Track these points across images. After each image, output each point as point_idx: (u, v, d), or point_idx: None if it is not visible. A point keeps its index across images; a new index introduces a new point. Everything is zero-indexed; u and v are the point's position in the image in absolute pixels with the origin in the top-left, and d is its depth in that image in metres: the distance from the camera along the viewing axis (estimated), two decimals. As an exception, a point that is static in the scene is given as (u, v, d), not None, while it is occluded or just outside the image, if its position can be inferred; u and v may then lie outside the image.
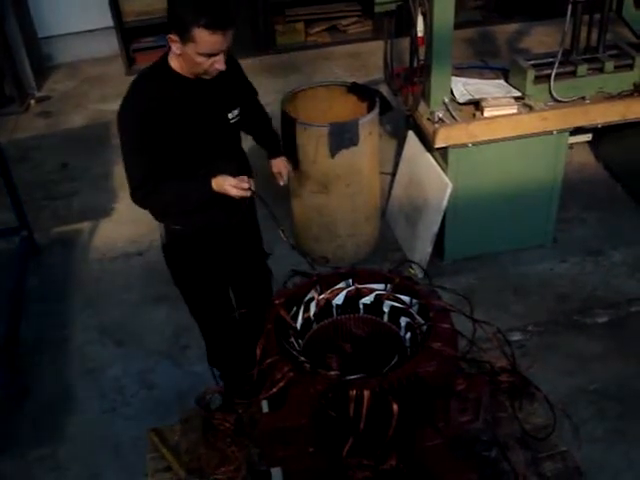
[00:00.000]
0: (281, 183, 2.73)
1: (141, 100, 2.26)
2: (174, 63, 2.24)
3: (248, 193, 2.33)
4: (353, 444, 1.51)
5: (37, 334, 3.51)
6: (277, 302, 1.75)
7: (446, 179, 3.50)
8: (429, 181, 3.66)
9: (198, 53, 2.12)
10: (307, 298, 1.80)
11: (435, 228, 3.63)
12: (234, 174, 2.37)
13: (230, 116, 2.40)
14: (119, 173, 4.70)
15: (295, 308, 1.78)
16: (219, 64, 2.16)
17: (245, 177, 2.35)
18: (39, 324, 3.57)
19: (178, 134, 2.30)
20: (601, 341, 3.21)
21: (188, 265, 2.65)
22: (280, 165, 2.73)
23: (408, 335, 1.71)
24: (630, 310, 3.36)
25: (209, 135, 2.38)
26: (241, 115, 2.45)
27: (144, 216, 4.36)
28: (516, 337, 3.23)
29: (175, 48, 2.16)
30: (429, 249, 3.69)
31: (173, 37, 2.13)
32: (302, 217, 3.81)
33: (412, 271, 3.84)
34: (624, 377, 3.00)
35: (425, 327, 1.67)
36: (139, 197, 2.40)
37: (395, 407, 1.51)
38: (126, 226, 4.24)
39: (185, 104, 2.30)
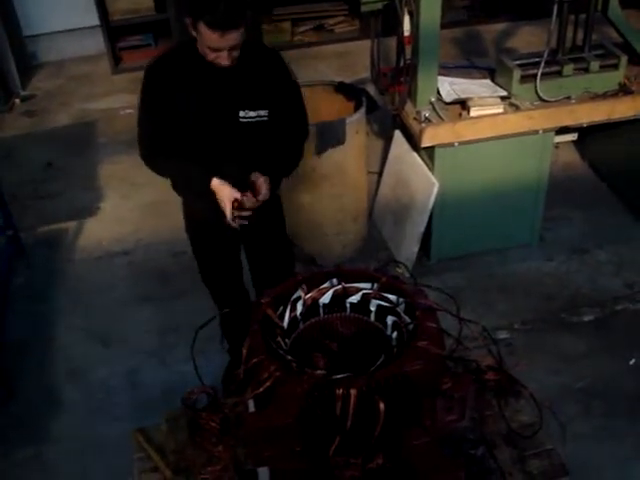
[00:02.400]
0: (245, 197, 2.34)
1: (165, 66, 2.33)
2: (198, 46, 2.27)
3: (230, 220, 2.32)
4: (340, 443, 1.51)
5: (22, 334, 3.48)
6: (264, 301, 1.75)
7: (433, 178, 3.50)
8: (416, 180, 3.67)
9: (202, 44, 2.18)
10: (294, 297, 1.80)
11: (421, 227, 3.64)
12: (235, 179, 2.34)
13: (242, 114, 2.32)
14: (104, 172, 4.70)
15: (282, 307, 1.78)
16: (222, 59, 2.20)
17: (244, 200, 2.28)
18: (24, 324, 3.54)
19: (184, 114, 2.32)
20: (587, 339, 3.22)
21: (200, 238, 2.72)
22: (260, 179, 2.33)
23: (395, 334, 1.71)
24: (615, 308, 3.38)
25: (214, 129, 2.36)
26: (271, 119, 2.37)
27: (129, 215, 4.39)
28: (503, 335, 3.24)
29: (190, 30, 2.21)
30: (416, 248, 3.69)
31: (188, 21, 2.18)
32: (288, 217, 3.80)
33: (399, 270, 3.84)
34: (610, 375, 3.02)
35: (411, 326, 1.67)
36: (144, 156, 2.43)
37: (382, 406, 1.51)
38: (111, 225, 4.22)
39: (200, 87, 2.31)
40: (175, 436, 2.04)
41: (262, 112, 2.35)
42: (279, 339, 1.70)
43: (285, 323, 1.75)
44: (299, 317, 1.79)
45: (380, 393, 1.52)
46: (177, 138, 2.36)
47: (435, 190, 3.50)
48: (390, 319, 1.74)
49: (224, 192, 2.31)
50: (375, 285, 1.81)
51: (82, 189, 4.56)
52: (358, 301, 1.81)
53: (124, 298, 3.67)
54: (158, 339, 3.40)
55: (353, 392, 1.51)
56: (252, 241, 2.75)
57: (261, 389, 1.55)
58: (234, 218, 2.31)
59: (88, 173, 4.70)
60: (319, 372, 1.59)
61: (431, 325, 1.62)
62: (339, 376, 1.58)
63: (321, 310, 1.82)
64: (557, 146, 4.11)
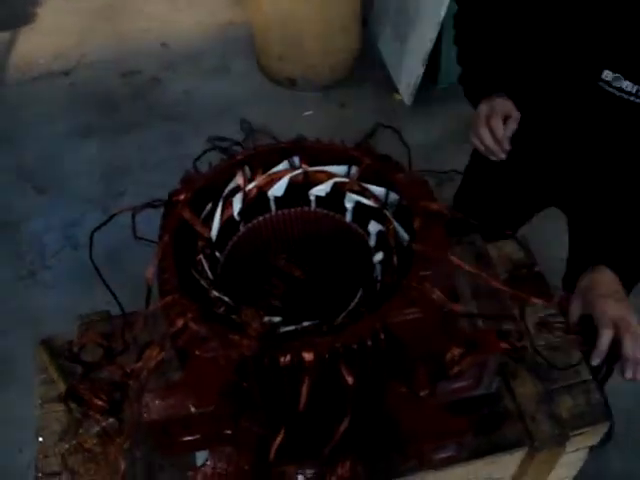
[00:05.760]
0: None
1: None
2: None
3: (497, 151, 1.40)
4: (288, 438, 0.98)
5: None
6: (179, 198, 1.14)
7: (446, -21, 2.72)
8: (424, -19, 2.87)
9: None
10: (229, 188, 1.18)
11: (429, 43, 2.90)
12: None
13: (607, 77, 1.22)
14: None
15: (210, 205, 1.17)
16: None
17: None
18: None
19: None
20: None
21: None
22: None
23: (379, 256, 1.11)
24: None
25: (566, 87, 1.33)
26: None
27: (72, 24, 3.60)
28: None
29: None
30: (421, 70, 2.98)
31: None
32: (262, 29, 3.05)
33: (398, 96, 3.17)
34: None
35: (406, 245, 1.07)
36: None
37: (350, 380, 0.96)
38: (51, 38, 3.47)
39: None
40: (87, 352, 1.52)
41: (628, 84, 1.21)
42: (202, 258, 1.11)
43: (214, 231, 1.15)
44: (237, 218, 1.18)
45: (350, 360, 0.97)
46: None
47: (448, -5, 2.73)
48: (374, 227, 1.14)
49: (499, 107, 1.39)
50: (354, 170, 1.18)
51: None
52: (327, 194, 1.19)
53: (63, 131, 3.03)
54: (103, 183, 2.82)
55: (308, 357, 0.95)
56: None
57: (161, 352, 1.00)
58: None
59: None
60: (259, 323, 1.01)
61: (438, 251, 1.02)
62: (289, 328, 1.01)
63: (273, 207, 1.21)
64: None
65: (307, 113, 2.98)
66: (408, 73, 3.06)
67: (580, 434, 1.40)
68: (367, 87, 3.15)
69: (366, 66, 3.24)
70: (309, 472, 0.95)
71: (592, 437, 1.45)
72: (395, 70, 3.18)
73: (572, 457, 1.50)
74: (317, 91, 3.08)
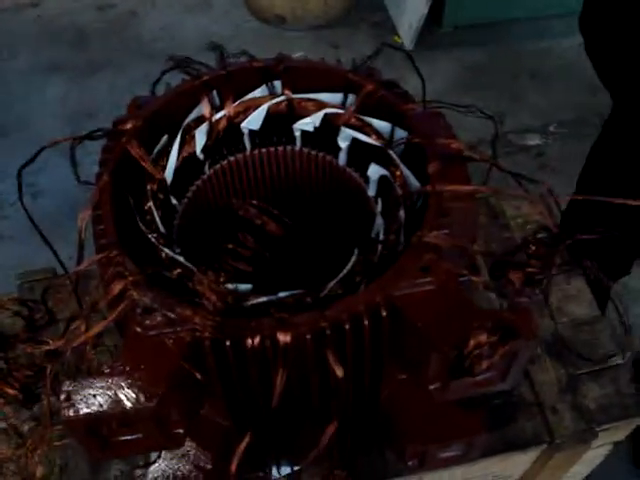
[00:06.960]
0: None
1: None
2: None
3: None
4: (257, 442, 0.74)
5: None
6: (125, 127, 0.88)
7: None
8: None
9: None
10: (191, 118, 0.93)
11: (435, -19, 2.63)
12: None
13: None
14: None
15: (165, 137, 0.91)
16: None
17: None
18: None
19: None
20: None
21: None
22: None
23: (380, 206, 0.86)
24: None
25: None
26: None
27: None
28: (533, 141, 2.41)
29: None
30: (425, 9, 2.71)
31: None
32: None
33: (398, 40, 2.89)
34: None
35: (417, 198, 0.83)
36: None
37: (340, 372, 0.73)
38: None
39: None
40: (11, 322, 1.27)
41: None
42: (151, 206, 0.86)
43: (169, 171, 0.90)
44: (201, 157, 0.93)
45: (340, 345, 0.73)
46: None
47: None
48: (375, 172, 0.89)
49: None
50: (351, 99, 0.93)
51: None
52: (316, 129, 0.94)
53: (28, 67, 2.75)
54: (69, 127, 2.55)
55: (284, 340, 0.72)
56: None
57: (99, 327, 0.75)
58: None
59: None
60: (218, 293, 0.76)
61: (458, 204, 0.78)
62: (260, 300, 0.77)
63: (247, 143, 0.96)
64: None
65: (297, 55, 2.71)
66: (410, 14, 2.79)
67: (608, 429, 1.19)
68: (364, 28, 2.88)
69: (363, 5, 2.96)
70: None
71: (621, 432, 1.24)
72: (395, 10, 2.90)
73: (593, 453, 1.29)
74: (308, 30, 2.82)
